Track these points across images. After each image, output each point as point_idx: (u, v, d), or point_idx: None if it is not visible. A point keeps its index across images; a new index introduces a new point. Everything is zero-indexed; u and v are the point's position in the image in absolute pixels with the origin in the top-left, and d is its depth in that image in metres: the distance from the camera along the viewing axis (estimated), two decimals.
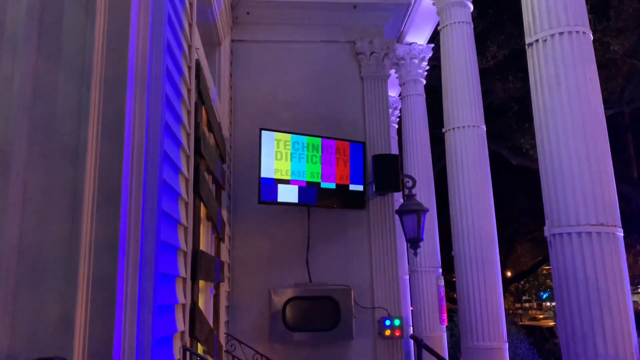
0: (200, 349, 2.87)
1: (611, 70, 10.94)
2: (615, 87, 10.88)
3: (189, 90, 2.66)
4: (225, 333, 3.98)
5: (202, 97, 3.02)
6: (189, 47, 2.70)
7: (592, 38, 5.12)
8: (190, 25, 2.74)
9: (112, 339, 1.52)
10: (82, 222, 1.55)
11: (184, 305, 2.46)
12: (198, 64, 2.90)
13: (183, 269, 2.43)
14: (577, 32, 5.02)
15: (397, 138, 11.40)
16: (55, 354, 1.43)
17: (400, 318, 4.39)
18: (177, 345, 2.34)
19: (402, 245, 8.47)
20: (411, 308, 9.46)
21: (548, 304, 32.60)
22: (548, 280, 29.06)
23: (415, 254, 4.78)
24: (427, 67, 9.61)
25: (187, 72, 2.63)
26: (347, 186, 4.49)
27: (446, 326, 9.24)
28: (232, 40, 4.80)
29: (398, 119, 11.17)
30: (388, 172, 4.49)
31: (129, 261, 1.64)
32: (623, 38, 10.13)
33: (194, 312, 2.67)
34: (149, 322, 1.76)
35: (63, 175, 1.57)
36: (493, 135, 12.38)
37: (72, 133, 1.60)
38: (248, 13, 4.81)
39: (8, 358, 1.44)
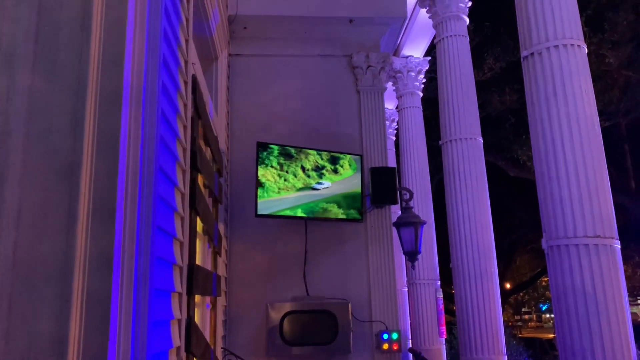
0: None
1: (607, 82, 11.03)
2: (611, 98, 10.96)
3: (185, 105, 2.67)
4: (222, 348, 3.96)
5: (199, 112, 3.03)
6: (186, 62, 2.72)
7: (586, 51, 5.16)
8: (186, 40, 2.76)
9: (106, 356, 1.51)
10: (76, 238, 1.55)
11: (179, 321, 2.45)
12: (195, 78, 2.92)
13: (179, 284, 2.43)
14: (572, 45, 5.07)
15: (394, 150, 11.44)
16: None
17: (399, 331, 4.37)
18: None
19: (401, 257, 8.46)
20: (410, 321, 9.42)
21: (547, 315, 32.49)
22: (547, 292, 29.00)
23: (413, 266, 4.77)
24: (424, 80, 9.67)
25: (184, 87, 2.64)
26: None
27: (445, 339, 9.20)
28: (230, 55, 4.83)
29: (395, 131, 11.22)
30: (385, 185, 4.51)
31: (123, 277, 1.64)
32: (618, 50, 10.24)
33: (190, 327, 2.66)
34: (144, 337, 1.76)
35: (58, 191, 1.58)
36: (490, 147, 12.44)
37: (67, 149, 1.60)
38: (245, 28, 4.85)
39: None
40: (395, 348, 4.32)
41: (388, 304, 4.49)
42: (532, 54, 5.23)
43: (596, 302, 4.52)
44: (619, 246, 4.73)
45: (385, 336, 4.32)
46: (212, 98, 4.02)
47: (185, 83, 2.70)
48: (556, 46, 5.10)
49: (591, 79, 5.16)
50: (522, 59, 5.35)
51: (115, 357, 1.57)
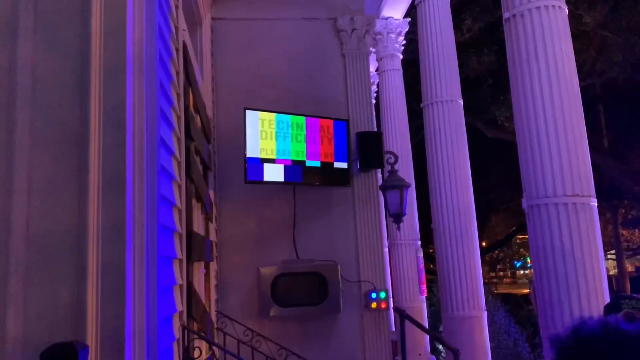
0: (195, 327, 2.93)
1: (583, 42, 11.12)
2: (587, 58, 11.08)
3: (177, 73, 2.66)
4: (216, 311, 4.05)
5: (189, 79, 3.02)
6: (176, 29, 2.69)
7: (567, 12, 5.20)
8: (176, 6, 2.73)
9: (123, 322, 1.56)
10: (88, 209, 1.57)
11: (181, 286, 2.50)
12: (185, 45, 2.90)
13: (179, 251, 2.47)
14: (553, 6, 5.10)
15: (374, 113, 11.45)
16: (69, 338, 1.47)
17: (386, 291, 4.51)
18: (176, 325, 2.39)
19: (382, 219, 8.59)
20: (391, 280, 9.65)
21: (521, 272, 33.54)
22: (521, 250, 29.86)
23: (399, 228, 4.88)
24: (404, 42, 9.62)
25: (176, 54, 2.63)
26: (332, 164, 4.54)
27: (425, 297, 9.47)
28: (212, 19, 4.75)
29: (375, 94, 11.21)
30: (372, 149, 4.56)
31: (135, 246, 1.67)
32: (595, 10, 10.29)
33: (190, 292, 2.72)
34: (155, 303, 1.81)
35: (67, 163, 1.59)
36: (468, 108, 12.51)
37: (74, 121, 1.61)
38: None
39: (23, 345, 1.47)
40: (383, 307, 4.47)
41: (376, 265, 4.61)
42: (514, 15, 5.24)
43: (574, 259, 4.69)
44: (596, 204, 4.89)
45: (374, 295, 4.46)
46: (197, 64, 3.97)
47: (177, 50, 2.68)
48: (537, 7, 5.12)
49: (571, 41, 5.22)
50: (504, 21, 5.37)
51: (131, 323, 1.62)
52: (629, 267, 18.89)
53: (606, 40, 10.82)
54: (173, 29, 2.58)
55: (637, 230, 18.74)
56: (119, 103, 1.66)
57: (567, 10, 5.18)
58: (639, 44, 10.36)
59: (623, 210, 16.66)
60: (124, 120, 1.65)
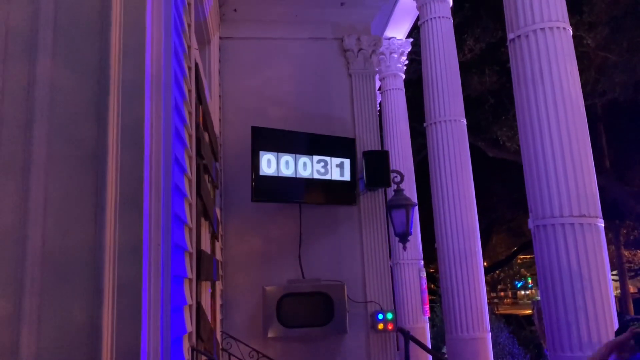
0: (202, 348, 2.89)
1: (584, 63, 11.20)
2: (588, 79, 11.15)
3: (189, 91, 2.66)
4: (221, 331, 4.00)
5: (200, 97, 3.02)
6: (189, 47, 2.70)
7: (571, 33, 5.25)
8: (189, 25, 2.74)
9: (139, 343, 1.53)
10: (105, 227, 1.55)
11: (190, 306, 2.47)
12: (196, 64, 2.90)
13: (190, 270, 2.45)
14: (558, 27, 5.15)
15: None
16: (83, 359, 1.44)
17: (393, 312, 4.46)
18: (186, 346, 2.36)
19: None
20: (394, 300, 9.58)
21: (522, 292, 33.36)
22: (522, 270, 29.73)
23: (405, 247, 4.85)
24: (406, 62, 9.69)
25: (188, 73, 2.63)
26: (339, 182, 4.53)
27: (428, 317, 9.38)
28: (220, 38, 4.78)
29: (378, 113, 11.25)
30: (378, 168, 4.55)
31: (151, 265, 1.65)
32: (595, 32, 10.39)
33: (199, 312, 2.69)
34: (168, 324, 1.78)
35: (84, 180, 1.57)
36: (470, 128, 12.56)
37: (91, 138, 1.60)
38: (235, 10, 4.80)
39: None
40: (390, 328, 4.42)
41: (382, 285, 4.57)
42: (518, 36, 5.28)
43: (581, 279, 4.66)
44: (603, 225, 4.87)
45: (380, 316, 4.41)
46: (206, 82, 3.99)
47: (189, 69, 2.69)
48: (542, 29, 5.16)
49: (576, 61, 5.26)
50: (508, 42, 5.41)
51: (146, 345, 1.59)
52: (632, 289, 18.77)
53: (607, 61, 10.90)
54: (186, 48, 2.59)
55: (639, 251, 18.67)
56: (137, 120, 1.65)
57: (571, 32, 5.22)
58: None
59: (625, 231, 16.61)
60: (142, 138, 1.64)
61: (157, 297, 1.67)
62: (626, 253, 17.84)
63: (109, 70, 1.63)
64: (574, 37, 5.29)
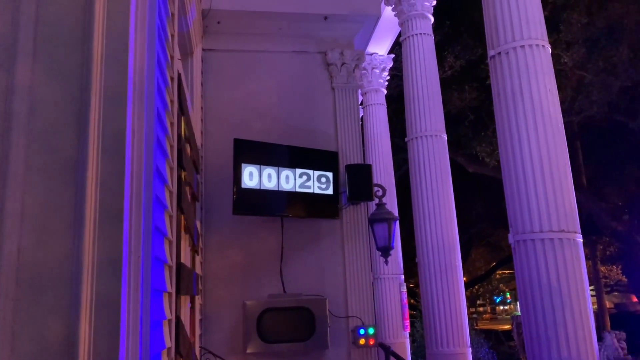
0: None
1: (561, 81, 11.44)
2: (565, 97, 11.38)
3: (172, 102, 2.63)
4: (200, 347, 3.92)
5: (182, 108, 2.98)
6: (172, 57, 2.67)
7: (550, 51, 5.35)
8: (172, 35, 2.71)
9: (117, 358, 1.48)
10: (83, 239, 1.50)
11: (170, 321, 2.41)
12: (179, 74, 2.87)
13: (169, 284, 2.39)
14: (537, 45, 5.25)
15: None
16: None
17: (375, 327, 4.43)
18: None
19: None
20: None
21: (501, 307, 33.57)
22: (501, 285, 29.95)
23: (387, 262, 4.84)
24: (388, 77, 9.77)
25: (171, 83, 2.60)
26: (321, 196, 4.51)
27: (408, 332, 9.36)
28: (203, 50, 4.75)
29: (360, 127, 11.29)
30: (361, 182, 4.55)
31: (130, 278, 1.60)
32: (572, 51, 10.63)
33: (179, 327, 2.63)
34: (147, 340, 1.73)
35: (63, 190, 1.52)
36: (450, 143, 12.70)
37: (71, 147, 1.55)
38: (219, 22, 4.78)
39: None
40: (371, 343, 4.38)
41: (364, 300, 4.54)
42: (499, 53, 5.37)
43: (560, 295, 4.70)
44: (582, 240, 4.93)
45: (362, 331, 4.37)
46: (188, 94, 3.95)
47: (172, 79, 2.65)
48: (522, 46, 5.25)
49: (555, 79, 5.35)
50: (489, 58, 5.48)
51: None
52: (608, 304, 19.03)
53: (583, 80, 11.14)
54: (169, 58, 2.56)
55: (614, 267, 18.96)
56: (118, 130, 1.61)
57: (550, 50, 5.32)
58: (615, 84, 10.68)
59: (601, 247, 16.87)
60: (124, 148, 1.60)
61: (137, 311, 1.62)
62: (602, 269, 18.10)
63: (91, 78, 1.60)
64: (551, 55, 5.39)
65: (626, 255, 16.01)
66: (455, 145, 13.48)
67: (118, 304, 1.51)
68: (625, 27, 10.39)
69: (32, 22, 1.61)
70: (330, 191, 4.54)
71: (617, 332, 10.14)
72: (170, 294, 2.45)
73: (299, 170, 4.41)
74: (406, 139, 7.57)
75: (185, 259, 3.41)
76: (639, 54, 10.56)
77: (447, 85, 12.13)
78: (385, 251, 4.75)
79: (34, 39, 1.60)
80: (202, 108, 4.62)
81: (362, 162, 4.80)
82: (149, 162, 1.84)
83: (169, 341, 2.36)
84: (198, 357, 3.81)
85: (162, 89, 2.31)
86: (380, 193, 4.88)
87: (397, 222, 4.83)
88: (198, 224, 4.12)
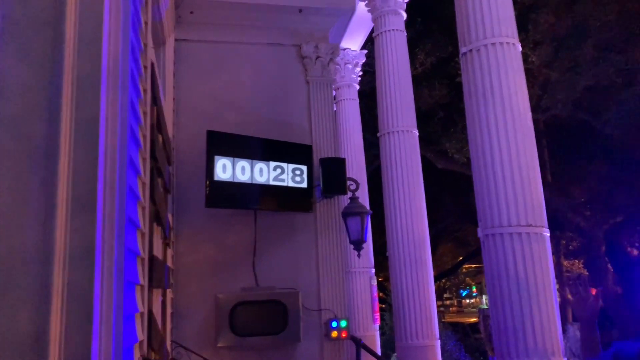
0: (153, 357, 2.78)
1: (529, 80, 11.65)
2: (532, 95, 11.59)
3: (145, 91, 2.57)
4: (171, 340, 3.87)
5: (155, 98, 2.93)
6: (145, 45, 2.62)
7: (520, 49, 5.44)
8: (146, 23, 2.66)
9: (89, 352, 1.44)
10: (55, 229, 1.45)
11: (142, 314, 2.38)
12: (152, 63, 2.82)
13: (142, 276, 2.35)
14: (508, 43, 5.33)
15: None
16: None
17: (347, 319, 4.45)
18: (136, 356, 2.26)
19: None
20: None
21: (467, 301, 34.20)
22: (467, 279, 30.51)
23: (359, 255, 4.86)
24: (360, 73, 9.80)
25: (144, 72, 2.55)
26: (295, 189, 4.50)
27: (378, 325, 9.44)
28: (176, 40, 4.67)
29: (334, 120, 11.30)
30: (335, 175, 4.55)
31: (103, 270, 1.56)
32: (540, 50, 10.84)
33: (151, 320, 2.59)
34: (120, 332, 1.70)
35: (34, 179, 1.47)
36: (420, 140, 12.84)
37: (42, 135, 1.50)
38: (192, 12, 4.70)
39: None
40: (343, 336, 4.40)
41: (337, 293, 4.55)
42: (470, 50, 5.43)
43: (527, 287, 4.80)
44: (548, 234, 5.05)
45: (334, 324, 4.39)
46: (161, 84, 3.88)
47: (145, 68, 2.60)
48: (493, 44, 5.32)
49: (524, 76, 5.44)
50: (460, 55, 5.55)
51: (97, 354, 1.50)
52: (570, 297, 19.54)
53: (550, 79, 11.38)
54: (143, 46, 2.51)
55: (577, 261, 19.48)
56: (92, 117, 1.56)
57: (520, 48, 5.41)
58: (580, 83, 10.95)
59: (564, 242, 17.30)
60: (97, 136, 1.56)
61: (110, 303, 1.58)
62: (565, 263, 18.58)
63: (63, 63, 1.54)
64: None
65: (588, 250, 16.48)
66: (425, 142, 13.61)
67: (91, 296, 1.48)
68: (590, 28, 10.65)
69: (1, 3, 1.55)
70: (304, 184, 4.52)
71: (579, 324, 10.44)
72: (142, 287, 2.41)
73: (273, 163, 4.38)
74: (378, 134, 7.61)
75: (158, 251, 3.35)
76: (602, 54, 10.84)
77: (418, 82, 12.22)
78: (358, 244, 4.77)
79: (2, 22, 1.54)
80: (174, 99, 4.55)
81: (336, 156, 4.80)
82: (122, 151, 1.79)
83: (141, 334, 2.33)
84: (169, 351, 3.77)
85: (136, 77, 2.26)
86: (353, 187, 4.90)
87: (370, 216, 4.85)
88: (170, 216, 4.06)
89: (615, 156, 13.38)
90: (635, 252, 15.69)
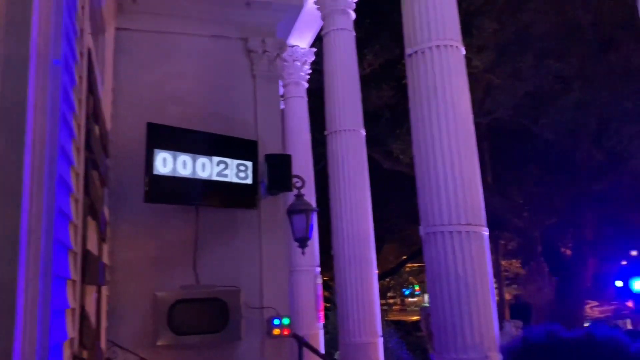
0: (85, 356, 2.67)
1: (472, 84, 12.01)
2: (475, 99, 11.96)
3: (80, 78, 2.47)
4: (107, 339, 3.73)
5: (92, 87, 2.81)
6: (82, 31, 2.51)
7: (464, 52, 5.58)
8: (82, 7, 2.55)
9: (11, 346, 1.37)
10: None
11: (73, 310, 2.27)
12: (89, 50, 2.71)
13: (74, 271, 2.25)
14: (452, 46, 5.46)
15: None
16: None
17: (289, 317, 4.43)
18: (66, 353, 2.16)
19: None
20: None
21: (410, 299, 34.88)
22: (410, 277, 31.10)
23: (303, 252, 4.86)
24: (309, 71, 9.80)
25: (80, 58, 2.44)
26: (239, 185, 4.43)
27: (322, 324, 9.47)
28: (117, 29, 4.50)
29: (281, 117, 11.24)
30: (280, 172, 4.52)
31: (29, 263, 1.48)
32: (483, 55, 11.19)
33: (83, 317, 2.49)
34: (47, 328, 1.61)
35: None
36: (367, 140, 12.98)
37: None
38: (134, 1, 4.56)
39: None
40: (285, 333, 4.38)
41: (279, 291, 4.52)
42: (415, 52, 5.52)
43: (466, 284, 4.93)
44: (487, 233, 5.20)
45: (276, 322, 4.36)
46: (99, 73, 3.74)
47: (81, 54, 2.49)
48: (437, 46, 5.44)
49: (467, 79, 5.60)
50: (406, 56, 5.64)
51: (20, 349, 1.42)
52: (507, 295, 20.32)
53: (492, 83, 11.77)
54: (79, 31, 2.40)
55: (514, 261, 20.25)
56: (18, 102, 1.48)
57: (464, 51, 5.55)
58: (521, 89, 11.38)
59: (503, 242, 17.95)
60: (24, 122, 1.47)
61: (35, 297, 1.50)
62: (503, 262, 19.29)
63: None
64: (464, 58, 5.62)
65: (524, 250, 17.14)
66: (372, 142, 13.76)
67: (14, 288, 1.40)
68: (532, 36, 11.08)
69: None
70: (249, 181, 4.47)
71: (515, 321, 10.86)
72: (74, 282, 2.30)
73: (216, 159, 4.30)
74: (325, 133, 7.64)
75: (92, 246, 3.23)
76: (542, 61, 11.31)
77: (367, 82, 12.35)
78: (303, 242, 4.76)
79: None
80: (113, 90, 4.39)
81: (282, 152, 4.77)
82: (52, 139, 1.71)
83: (71, 331, 2.23)
84: (104, 350, 3.64)
85: (70, 63, 2.16)
86: (299, 184, 4.89)
87: (315, 213, 4.85)
88: (106, 211, 3.92)
89: (551, 160, 13.99)
90: (569, 252, 16.46)
